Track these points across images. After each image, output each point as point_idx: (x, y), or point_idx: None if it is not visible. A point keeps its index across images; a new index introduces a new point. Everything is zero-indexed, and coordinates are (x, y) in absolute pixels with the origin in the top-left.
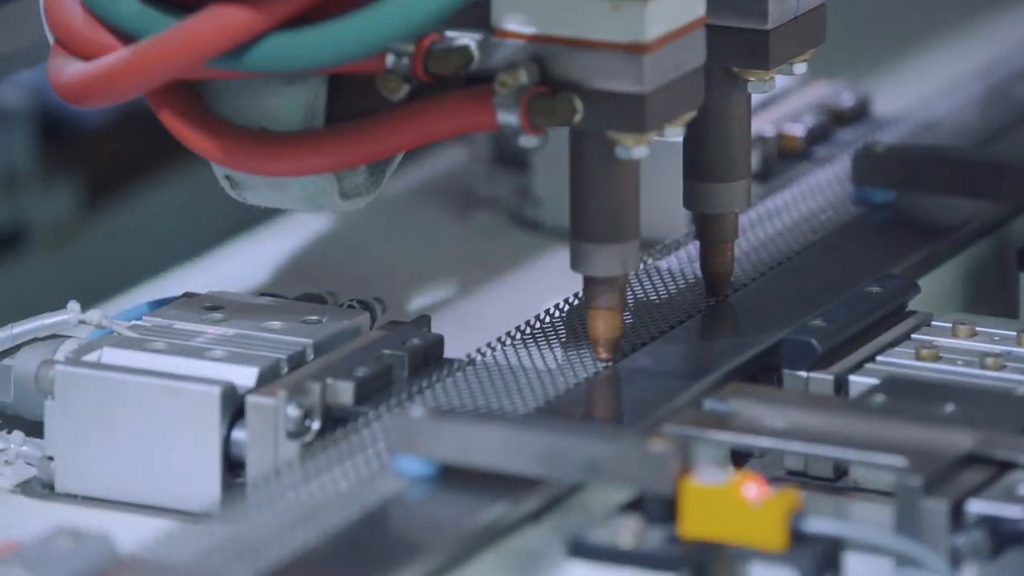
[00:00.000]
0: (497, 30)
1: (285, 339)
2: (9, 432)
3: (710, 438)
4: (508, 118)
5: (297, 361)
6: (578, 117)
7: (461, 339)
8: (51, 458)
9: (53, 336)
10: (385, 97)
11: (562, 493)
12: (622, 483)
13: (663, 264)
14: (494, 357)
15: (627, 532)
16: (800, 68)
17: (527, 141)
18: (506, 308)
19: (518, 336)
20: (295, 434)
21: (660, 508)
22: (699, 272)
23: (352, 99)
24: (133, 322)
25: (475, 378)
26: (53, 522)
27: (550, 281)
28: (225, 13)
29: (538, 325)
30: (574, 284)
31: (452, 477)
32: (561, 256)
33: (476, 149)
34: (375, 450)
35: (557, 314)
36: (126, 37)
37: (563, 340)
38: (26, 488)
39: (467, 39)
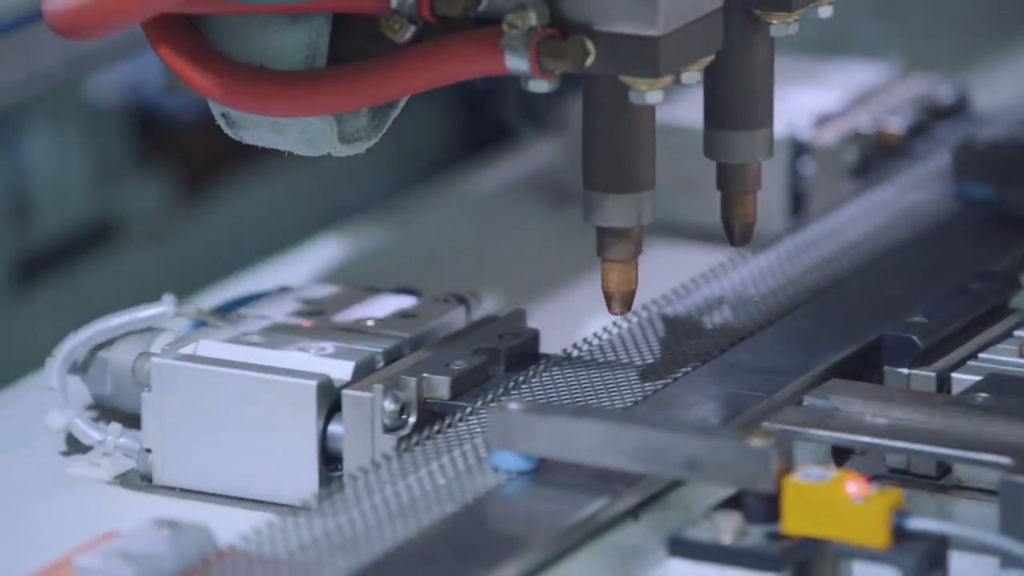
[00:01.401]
0: None
1: (381, 333)
2: (107, 424)
3: (811, 435)
4: (517, 62)
5: (393, 355)
6: (590, 61)
7: (557, 333)
8: (149, 450)
9: (149, 329)
10: (390, 39)
11: (661, 489)
12: (722, 481)
13: (759, 261)
14: (591, 352)
15: (727, 529)
16: (825, 11)
17: (537, 85)
18: (602, 302)
19: (615, 330)
20: (392, 428)
21: (760, 505)
22: (801, 266)
23: (356, 41)
24: (229, 315)
25: (572, 373)
26: (152, 514)
27: (646, 274)
28: None
29: (635, 319)
30: (671, 278)
31: (550, 472)
32: (656, 249)
33: (569, 142)
34: (472, 445)
35: (654, 308)
36: None
37: (660, 334)
38: (124, 480)
39: None
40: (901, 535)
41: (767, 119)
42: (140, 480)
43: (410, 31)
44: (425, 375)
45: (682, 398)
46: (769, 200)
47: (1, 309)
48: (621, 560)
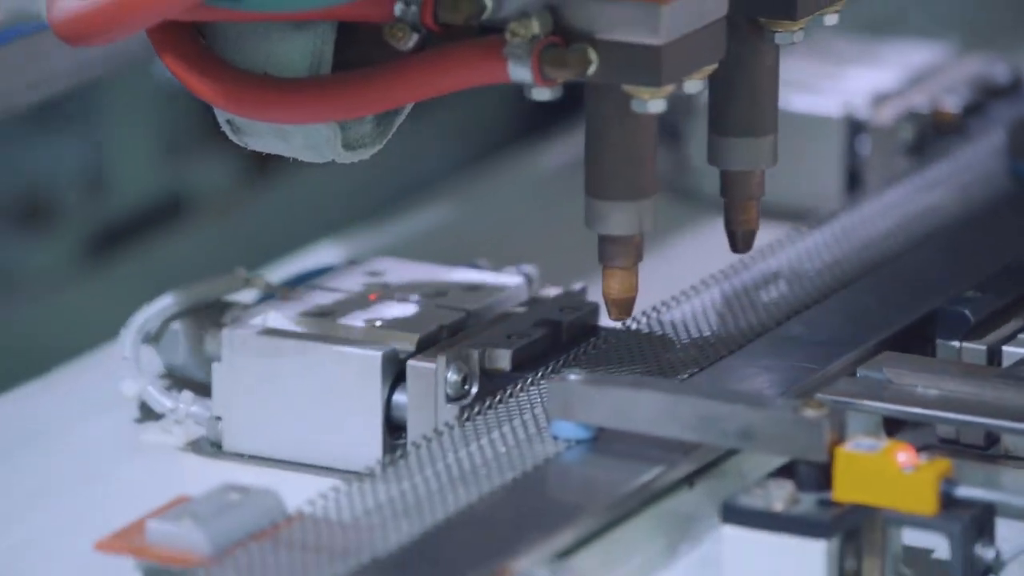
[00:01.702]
0: None
1: (445, 306)
2: (178, 393)
3: (864, 407)
4: (520, 70)
5: (457, 327)
6: (592, 69)
7: None
8: (219, 418)
9: (220, 301)
10: (393, 47)
11: (716, 458)
12: (776, 451)
13: (815, 236)
14: (649, 325)
15: (779, 497)
16: (831, 19)
17: (540, 94)
18: (662, 277)
19: (674, 304)
20: (454, 398)
21: (812, 474)
22: (856, 242)
23: (361, 48)
24: (297, 287)
25: (630, 345)
26: (221, 479)
27: (706, 250)
28: None
29: (693, 293)
30: (727, 253)
31: (607, 441)
32: (716, 226)
33: None
34: (532, 414)
35: (712, 283)
36: None
37: (717, 308)
38: (195, 447)
39: None
40: (949, 503)
41: (771, 126)
42: (210, 447)
43: (413, 39)
44: (487, 347)
45: (738, 370)
46: (826, 178)
47: (77, 281)
48: (676, 526)
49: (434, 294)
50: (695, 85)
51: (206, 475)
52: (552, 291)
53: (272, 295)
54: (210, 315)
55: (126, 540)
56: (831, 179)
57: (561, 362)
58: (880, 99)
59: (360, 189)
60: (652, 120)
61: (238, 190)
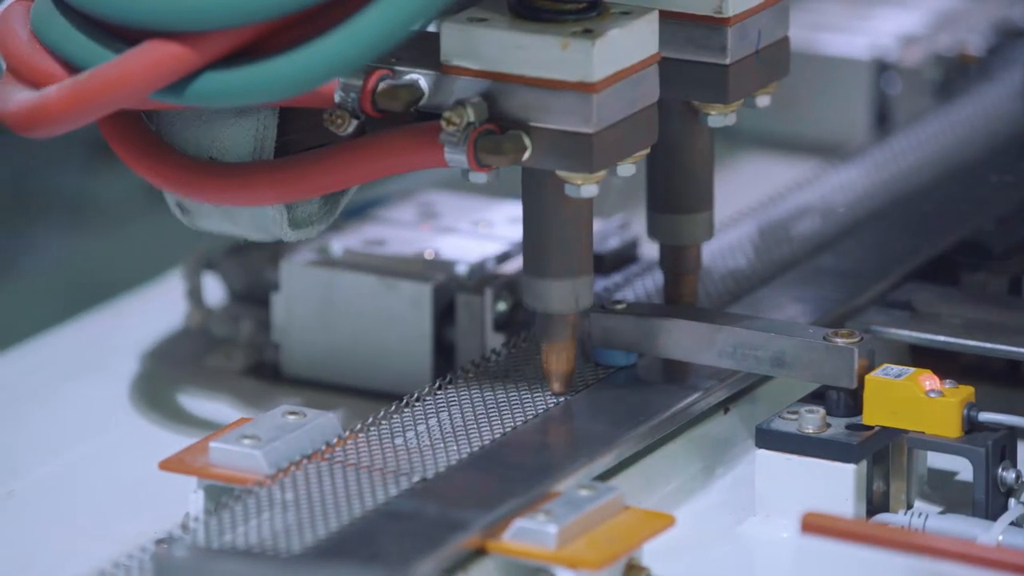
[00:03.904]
0: (446, 66)
1: (493, 236)
2: (239, 320)
3: (891, 334)
4: (455, 157)
5: (503, 257)
6: (527, 155)
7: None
8: (277, 345)
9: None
10: (332, 132)
11: (750, 384)
12: (808, 377)
13: (845, 172)
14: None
15: (811, 421)
16: (764, 100)
17: (476, 178)
18: None
19: (711, 238)
20: (501, 326)
21: (842, 400)
22: (884, 177)
23: (302, 132)
24: (353, 218)
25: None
26: (280, 402)
27: (742, 186)
28: (161, 48)
29: (728, 227)
30: (766, 186)
31: (647, 368)
32: (750, 162)
33: None
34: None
35: (746, 217)
36: (72, 67)
37: (752, 241)
38: (255, 372)
39: (416, 75)
40: (972, 427)
41: (707, 203)
42: (270, 372)
43: (352, 124)
44: None
45: (771, 300)
46: (855, 116)
47: (144, 212)
48: (712, 450)
49: (484, 225)
50: (628, 169)
51: (265, 398)
52: (595, 223)
53: (328, 226)
54: (271, 246)
55: (189, 460)
56: (860, 117)
57: (604, 291)
58: (907, 41)
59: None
60: (587, 203)
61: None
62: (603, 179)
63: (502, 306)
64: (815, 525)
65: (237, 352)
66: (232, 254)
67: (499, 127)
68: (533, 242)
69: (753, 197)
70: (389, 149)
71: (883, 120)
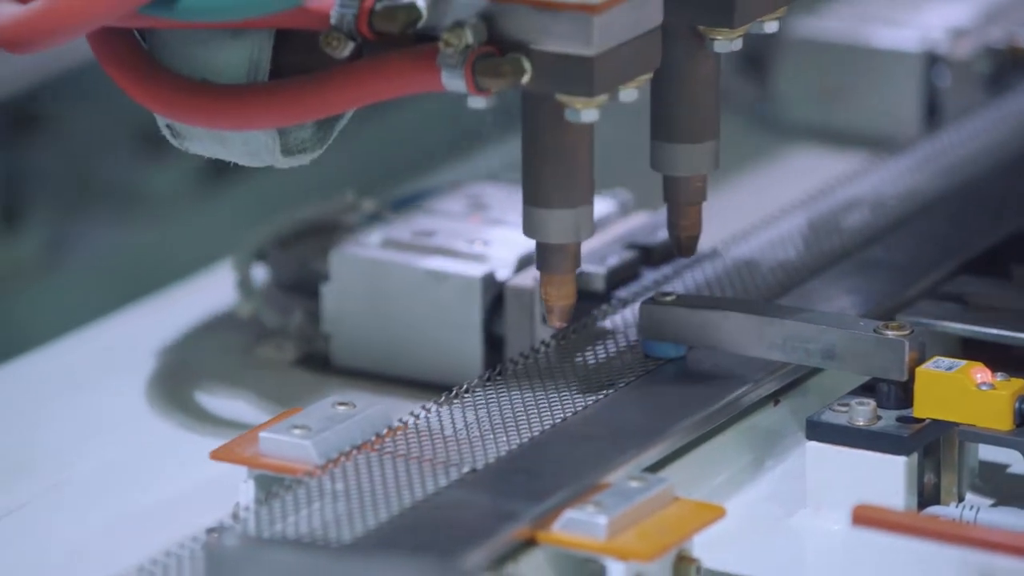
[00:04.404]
0: None
1: None
2: (290, 311)
3: (942, 327)
4: (453, 80)
5: None
6: (526, 79)
7: (705, 231)
8: (328, 335)
9: (330, 222)
10: (329, 55)
11: (800, 376)
12: (858, 370)
13: (895, 165)
14: (737, 248)
15: (861, 414)
16: (771, 26)
17: (475, 102)
18: (747, 203)
19: (762, 228)
20: None
21: (892, 392)
22: (935, 170)
23: (298, 56)
24: (403, 210)
25: (719, 268)
26: (330, 393)
27: (789, 177)
28: None
29: (778, 219)
30: (816, 179)
31: (697, 360)
32: (800, 154)
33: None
34: (625, 334)
35: (796, 209)
36: None
37: (802, 233)
38: (305, 362)
39: None
40: None
41: (712, 132)
42: (320, 362)
43: (349, 47)
44: (583, 269)
45: (821, 292)
46: (905, 109)
47: (194, 203)
48: (762, 441)
49: None
50: (630, 94)
51: (315, 389)
52: (644, 215)
53: (380, 217)
54: (320, 236)
55: (239, 450)
56: (910, 110)
57: (653, 283)
58: (957, 34)
59: (468, 115)
60: (587, 129)
61: (351, 117)
62: (603, 104)
63: None
64: (866, 517)
65: (287, 343)
66: (283, 245)
67: (498, 50)
68: (532, 171)
69: (803, 190)
70: (385, 72)
71: (933, 113)
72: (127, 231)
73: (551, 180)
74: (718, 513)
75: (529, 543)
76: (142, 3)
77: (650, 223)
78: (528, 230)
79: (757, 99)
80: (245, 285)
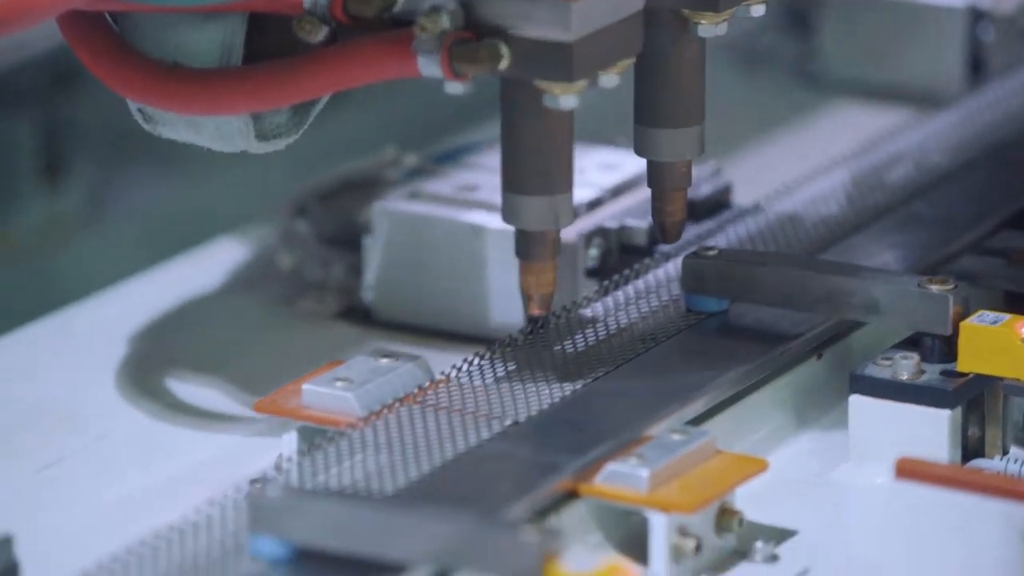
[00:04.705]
0: None
1: (584, 182)
2: (331, 264)
3: (987, 282)
4: (429, 65)
5: (594, 204)
6: (504, 64)
7: (749, 186)
8: (369, 288)
9: (372, 176)
10: (303, 40)
11: (843, 330)
12: (902, 324)
13: (939, 120)
14: (780, 202)
15: (905, 367)
16: (758, 10)
17: (452, 88)
18: (791, 159)
19: (805, 184)
20: (593, 272)
21: (936, 346)
22: (979, 125)
23: (271, 40)
24: (445, 164)
25: (762, 223)
26: (371, 346)
27: (832, 133)
28: None
29: (822, 175)
30: (859, 135)
31: (739, 314)
32: (843, 110)
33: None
34: (668, 288)
35: (840, 165)
36: None
37: (845, 188)
38: (347, 315)
39: None
40: None
41: (697, 117)
42: (361, 316)
43: (323, 32)
44: (625, 223)
45: (865, 247)
46: (949, 64)
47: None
48: (805, 395)
49: (576, 171)
50: (611, 79)
51: (357, 342)
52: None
53: (420, 171)
54: (362, 190)
55: (282, 402)
56: (954, 66)
57: (695, 237)
58: None
59: None
60: (566, 116)
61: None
62: (582, 90)
63: (594, 252)
64: (909, 471)
65: (328, 296)
66: (325, 199)
67: (475, 34)
68: (511, 157)
69: (846, 146)
70: (360, 57)
71: (977, 68)
72: (169, 185)
73: (530, 167)
74: (761, 466)
75: (571, 496)
76: None
77: (693, 178)
78: (507, 216)
79: (801, 56)
80: (287, 238)
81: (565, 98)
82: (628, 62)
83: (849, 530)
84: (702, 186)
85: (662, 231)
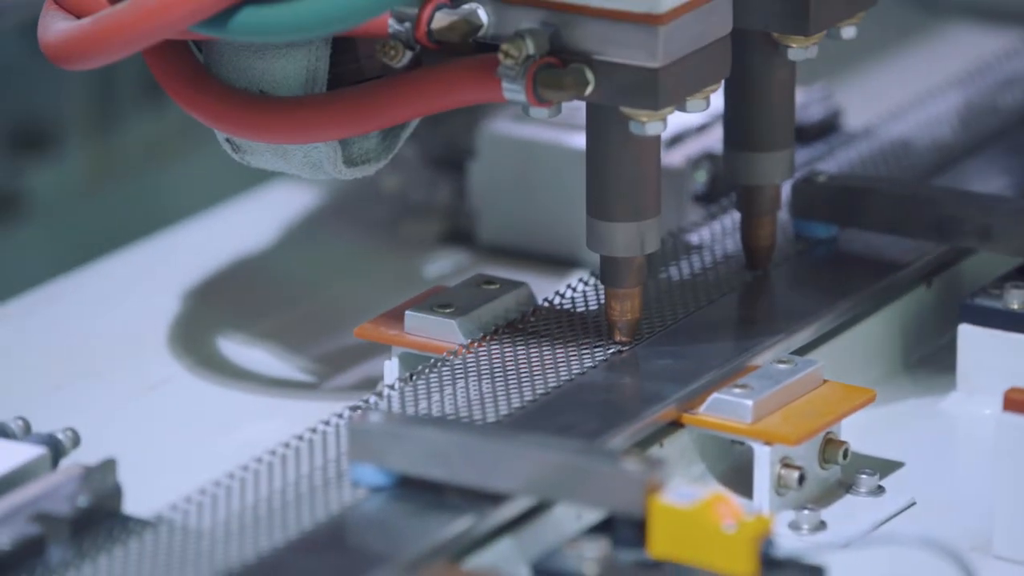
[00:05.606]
0: None
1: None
2: (437, 187)
3: None
4: (513, 91)
5: (703, 128)
6: (589, 90)
7: (861, 109)
8: (474, 212)
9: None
10: (387, 64)
11: (953, 258)
12: (1015, 252)
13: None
14: (889, 128)
15: (1016, 297)
16: (849, 32)
17: (537, 113)
18: (901, 81)
19: (916, 107)
20: (700, 198)
21: None
22: None
23: (355, 64)
24: None
25: (873, 147)
26: (474, 270)
27: (944, 55)
28: None
29: (931, 98)
30: (972, 57)
31: (848, 241)
32: (956, 32)
33: None
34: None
35: (950, 88)
36: None
37: (960, 112)
38: (451, 238)
39: (474, 4)
40: None
41: (787, 141)
42: (464, 239)
43: (407, 56)
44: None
45: (977, 172)
46: None
47: None
48: (913, 324)
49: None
50: (698, 105)
51: (460, 266)
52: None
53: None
54: (468, 112)
55: (384, 328)
56: None
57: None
58: None
59: None
60: (653, 142)
61: None
62: (669, 116)
63: (701, 176)
64: (1018, 402)
65: (432, 219)
66: (430, 121)
67: (560, 60)
68: (597, 182)
69: (959, 67)
70: (445, 83)
71: None
72: None
73: (616, 193)
74: (868, 396)
75: (675, 425)
76: (190, 23)
77: (803, 101)
78: (592, 243)
79: None
80: (392, 160)
81: (651, 125)
82: (715, 87)
83: (956, 462)
84: (812, 109)
85: (751, 257)
